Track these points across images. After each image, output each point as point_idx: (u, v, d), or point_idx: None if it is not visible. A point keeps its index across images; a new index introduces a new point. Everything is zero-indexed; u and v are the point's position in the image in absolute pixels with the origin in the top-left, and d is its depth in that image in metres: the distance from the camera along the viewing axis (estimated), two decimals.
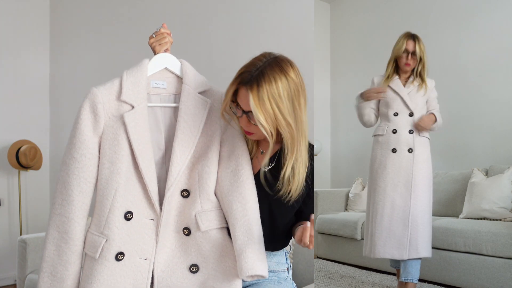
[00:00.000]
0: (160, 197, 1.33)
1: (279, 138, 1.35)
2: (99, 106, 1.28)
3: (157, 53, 1.40)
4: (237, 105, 1.31)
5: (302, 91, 1.30)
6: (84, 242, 1.31)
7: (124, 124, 1.28)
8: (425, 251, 2.33)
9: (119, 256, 1.26)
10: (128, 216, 1.28)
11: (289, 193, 1.31)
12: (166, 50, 1.41)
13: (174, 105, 1.39)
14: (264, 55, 1.31)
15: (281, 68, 1.28)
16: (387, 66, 2.50)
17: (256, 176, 1.35)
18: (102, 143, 1.30)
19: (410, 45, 2.41)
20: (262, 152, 1.40)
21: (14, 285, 3.67)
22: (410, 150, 2.37)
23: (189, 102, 1.35)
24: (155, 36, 1.42)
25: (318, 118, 3.70)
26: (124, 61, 3.54)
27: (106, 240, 1.25)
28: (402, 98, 2.41)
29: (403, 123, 2.40)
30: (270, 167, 1.36)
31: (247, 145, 1.40)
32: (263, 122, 1.24)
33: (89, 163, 1.28)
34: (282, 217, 1.36)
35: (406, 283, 2.32)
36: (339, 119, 4.34)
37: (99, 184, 1.29)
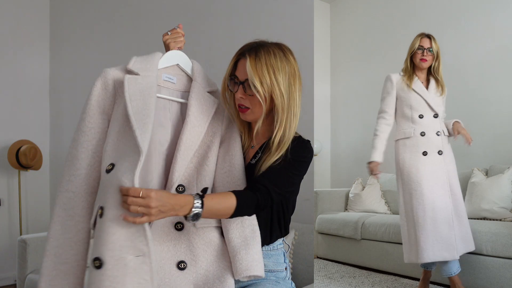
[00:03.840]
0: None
1: (268, 132, 1.37)
2: (110, 82, 1.30)
3: (171, 50, 1.41)
4: (235, 80, 1.34)
5: (299, 78, 1.35)
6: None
7: (122, 86, 1.27)
8: (472, 244, 2.37)
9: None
10: None
11: (262, 166, 1.30)
12: (179, 49, 1.43)
13: (182, 100, 1.40)
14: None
15: (281, 48, 1.34)
16: (405, 64, 2.48)
17: (246, 169, 1.37)
18: (111, 117, 1.29)
19: (425, 42, 2.41)
20: (252, 147, 1.42)
21: (14, 285, 3.67)
22: (440, 152, 2.37)
23: (199, 100, 1.36)
24: (171, 33, 1.44)
25: (318, 118, 3.70)
26: (125, 61, 3.54)
27: None
28: (426, 101, 2.40)
29: (430, 125, 2.39)
30: (256, 158, 1.38)
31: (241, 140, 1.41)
32: (258, 86, 1.27)
33: (98, 136, 1.27)
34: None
35: (451, 278, 2.35)
36: (339, 119, 4.34)
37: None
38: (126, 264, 1.09)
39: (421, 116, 2.40)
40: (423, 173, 2.33)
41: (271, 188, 1.26)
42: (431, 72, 2.47)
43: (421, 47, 2.40)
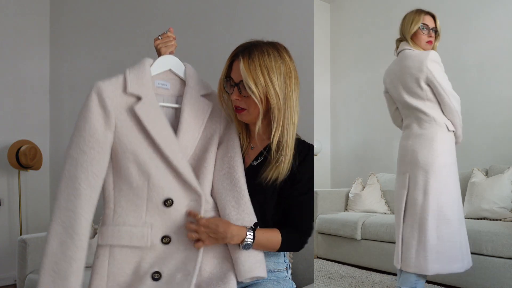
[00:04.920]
0: None
1: (267, 133, 1.37)
2: (108, 101, 1.26)
3: (162, 55, 1.40)
4: (230, 82, 1.33)
5: (295, 77, 1.33)
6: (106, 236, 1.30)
7: (136, 117, 1.27)
8: None
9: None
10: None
11: (273, 173, 1.31)
12: (170, 53, 1.42)
13: (176, 105, 1.39)
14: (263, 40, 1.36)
15: (276, 48, 1.32)
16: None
17: (246, 171, 1.37)
18: (119, 138, 1.28)
19: (429, 21, 2.01)
20: (252, 148, 1.42)
21: (14, 285, 3.67)
22: None
23: (192, 104, 1.35)
24: (161, 38, 1.43)
25: (318, 118, 3.69)
26: (124, 61, 3.54)
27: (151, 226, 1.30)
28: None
29: None
30: (258, 161, 1.38)
31: (240, 142, 1.41)
32: (253, 87, 1.26)
33: (98, 157, 1.25)
34: (272, 209, 1.36)
35: None
36: (339, 119, 4.34)
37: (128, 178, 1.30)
38: (174, 281, 1.26)
39: None
40: (455, 172, 1.99)
41: (312, 226, 1.39)
42: None
43: (425, 26, 2.00)
